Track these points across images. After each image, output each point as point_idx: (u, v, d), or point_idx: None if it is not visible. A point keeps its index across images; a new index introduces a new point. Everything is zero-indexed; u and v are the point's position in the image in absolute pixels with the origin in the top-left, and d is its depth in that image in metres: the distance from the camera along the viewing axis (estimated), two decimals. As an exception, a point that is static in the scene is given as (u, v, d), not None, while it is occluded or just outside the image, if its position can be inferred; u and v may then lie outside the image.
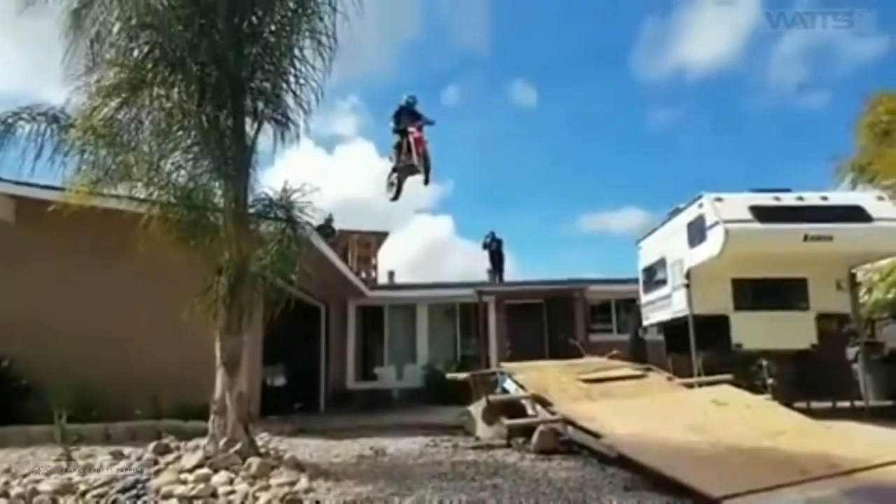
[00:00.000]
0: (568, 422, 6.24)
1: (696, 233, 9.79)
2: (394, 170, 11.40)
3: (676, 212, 10.93)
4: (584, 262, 45.26)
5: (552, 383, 7.66)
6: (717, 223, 9.14)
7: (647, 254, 12.31)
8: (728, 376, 7.92)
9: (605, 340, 14.69)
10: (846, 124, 16.74)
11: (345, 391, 15.80)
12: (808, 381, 9.23)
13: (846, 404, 9.22)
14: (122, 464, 5.32)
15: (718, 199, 9.45)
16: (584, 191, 37.97)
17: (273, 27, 5.88)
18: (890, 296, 13.60)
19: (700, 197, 9.83)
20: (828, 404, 9.28)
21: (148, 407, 8.30)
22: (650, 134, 34.99)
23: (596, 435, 5.63)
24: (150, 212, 5.98)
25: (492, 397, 7.59)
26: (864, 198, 10.13)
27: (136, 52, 5.60)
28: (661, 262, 11.43)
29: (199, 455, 5.10)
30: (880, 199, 9.92)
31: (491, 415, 7.30)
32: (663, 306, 11.25)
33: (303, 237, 6.21)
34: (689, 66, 35.11)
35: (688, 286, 9.87)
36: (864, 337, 10.03)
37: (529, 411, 7.23)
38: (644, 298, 12.42)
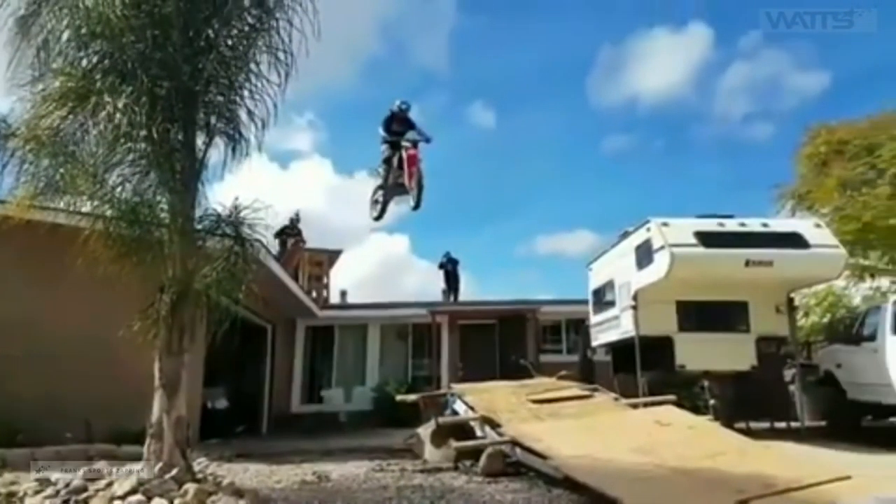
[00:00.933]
0: (516, 443, 6.26)
1: (644, 256, 10.03)
2: (380, 187, 10.05)
3: (625, 235, 11.19)
4: (540, 283, 45.85)
5: (502, 404, 7.69)
6: (663, 247, 9.38)
7: (597, 275, 12.54)
8: (672, 397, 8.10)
9: (556, 361, 14.87)
10: (787, 154, 17.48)
11: (290, 414, 15.43)
12: (747, 401, 9.51)
13: (783, 424, 9.52)
14: (49, 491, 4.95)
15: (665, 224, 9.70)
16: (541, 212, 38.61)
17: (230, 41, 5.80)
18: (825, 319, 14.24)
19: (648, 221, 10.08)
20: (766, 424, 9.56)
21: (79, 431, 7.84)
22: (604, 158, 35.98)
23: (543, 456, 5.66)
24: (92, 226, 5.75)
25: (441, 419, 7.55)
26: (802, 225, 10.50)
27: (84, 62, 5.44)
28: (611, 284, 11.66)
29: (132, 481, 4.84)
30: (818, 226, 10.33)
31: (440, 437, 7.25)
32: (612, 327, 11.45)
33: (252, 255, 6.07)
34: (642, 94, 36.40)
35: (635, 308, 10.07)
36: (801, 359, 10.40)
37: (478, 433, 7.22)
38: (593, 319, 12.63)
